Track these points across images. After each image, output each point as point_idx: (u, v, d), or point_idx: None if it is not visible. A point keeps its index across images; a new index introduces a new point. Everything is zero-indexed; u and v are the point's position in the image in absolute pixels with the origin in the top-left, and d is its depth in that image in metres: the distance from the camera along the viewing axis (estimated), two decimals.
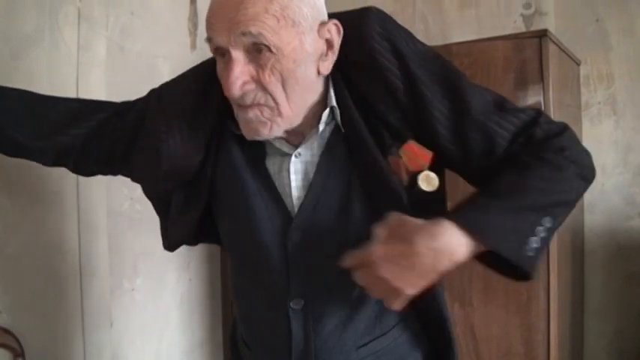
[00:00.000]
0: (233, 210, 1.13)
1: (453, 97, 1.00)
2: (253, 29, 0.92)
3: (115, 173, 1.31)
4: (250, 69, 0.96)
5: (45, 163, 1.28)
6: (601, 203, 2.37)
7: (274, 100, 0.98)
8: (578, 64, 2.34)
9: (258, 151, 1.11)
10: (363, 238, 0.94)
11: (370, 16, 1.02)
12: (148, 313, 2.07)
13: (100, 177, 1.83)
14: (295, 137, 1.08)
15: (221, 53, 1.00)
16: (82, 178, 1.78)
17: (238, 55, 0.95)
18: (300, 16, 0.95)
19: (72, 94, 1.76)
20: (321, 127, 1.05)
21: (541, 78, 1.77)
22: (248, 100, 0.98)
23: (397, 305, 0.91)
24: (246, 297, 1.20)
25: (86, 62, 1.80)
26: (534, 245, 0.91)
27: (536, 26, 2.41)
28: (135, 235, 2.00)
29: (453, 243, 0.88)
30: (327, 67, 1.02)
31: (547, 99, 1.77)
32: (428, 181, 1.02)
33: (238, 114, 1.02)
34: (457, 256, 0.89)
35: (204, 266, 2.36)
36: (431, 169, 1.02)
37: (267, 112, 0.99)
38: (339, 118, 1.05)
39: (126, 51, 1.95)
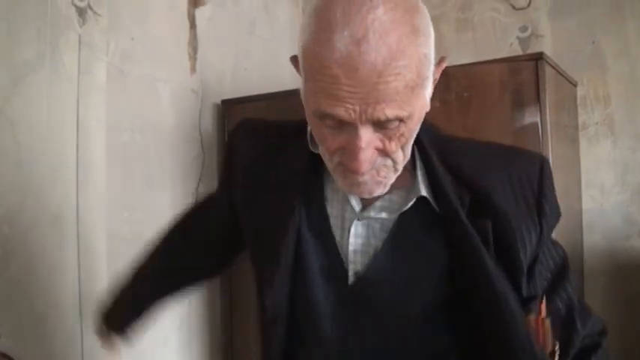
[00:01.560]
0: (281, 260, 1.00)
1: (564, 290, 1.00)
2: (390, 113, 0.79)
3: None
4: (376, 140, 0.83)
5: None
6: (600, 223, 2.37)
7: (394, 162, 0.87)
8: (575, 86, 2.36)
9: (318, 193, 1.00)
10: (435, 338, 0.95)
11: (549, 170, 0.99)
12: (147, 336, 2.05)
13: (98, 199, 1.85)
14: None
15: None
16: (81, 202, 1.79)
17: (368, 132, 0.81)
18: (428, 71, 0.83)
19: (72, 118, 1.77)
20: (402, 202, 0.95)
21: (538, 100, 1.78)
22: (368, 168, 0.85)
23: None
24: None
25: (86, 86, 1.82)
26: None
27: (532, 49, 2.43)
28: (135, 258, 2.00)
29: None
30: (429, 104, 0.89)
31: (544, 120, 1.78)
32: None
33: (345, 175, 0.88)
34: None
35: (203, 289, 2.36)
36: None
37: (383, 172, 0.87)
38: (436, 207, 0.93)
39: (126, 75, 1.97)
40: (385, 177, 0.88)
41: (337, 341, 0.97)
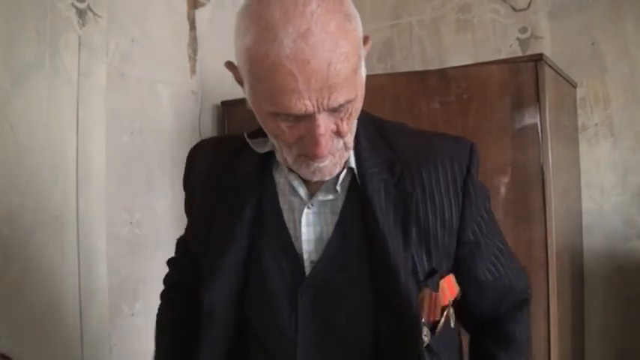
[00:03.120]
0: (224, 257, 1.02)
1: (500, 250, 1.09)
2: (342, 99, 0.83)
3: None
4: (331, 123, 0.87)
5: None
6: (600, 225, 2.37)
7: (345, 142, 0.92)
8: (575, 87, 2.36)
9: (270, 188, 1.02)
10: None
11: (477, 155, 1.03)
12: (148, 338, 2.05)
13: (98, 200, 1.85)
14: None
15: None
16: (81, 203, 1.79)
17: (324, 118, 0.85)
18: (361, 50, 0.88)
19: (72, 120, 1.77)
20: (342, 184, 0.98)
21: (537, 101, 1.78)
22: (327, 152, 0.89)
23: None
24: None
25: (86, 88, 1.82)
26: None
27: (532, 50, 2.43)
28: (134, 259, 2.00)
29: None
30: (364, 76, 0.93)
31: (544, 121, 1.78)
32: (453, 318, 1.03)
33: (307, 164, 0.91)
34: None
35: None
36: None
37: (338, 154, 0.92)
38: (358, 181, 0.97)
39: (126, 77, 1.97)
40: (340, 157, 0.93)
41: (298, 335, 0.98)
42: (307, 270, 0.99)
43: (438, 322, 0.99)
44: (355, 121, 0.92)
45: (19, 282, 1.61)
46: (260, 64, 0.81)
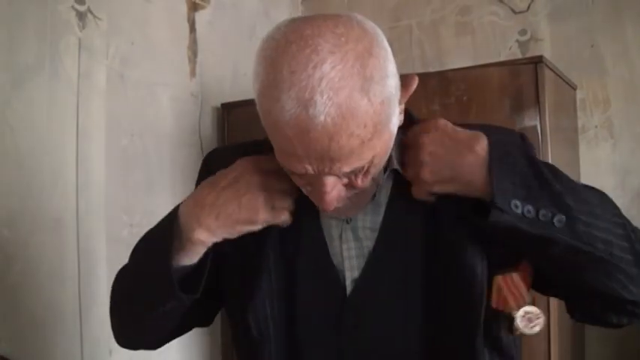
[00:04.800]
0: (263, 276, 0.95)
1: None
2: (348, 168, 0.76)
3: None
4: (342, 178, 0.80)
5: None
6: None
7: (363, 190, 0.85)
8: (575, 89, 2.36)
9: (307, 200, 0.91)
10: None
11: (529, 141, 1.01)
12: None
13: (98, 202, 1.85)
14: None
15: None
16: (81, 205, 1.79)
17: (330, 179, 0.78)
18: (390, 109, 0.78)
19: (72, 122, 1.77)
20: (383, 193, 0.93)
21: (537, 103, 1.78)
22: (337, 204, 0.83)
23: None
24: None
25: (86, 90, 1.82)
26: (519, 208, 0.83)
27: (531, 52, 2.43)
28: None
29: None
30: (400, 119, 0.85)
31: (543, 123, 1.78)
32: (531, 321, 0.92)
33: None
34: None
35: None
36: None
37: (355, 198, 0.86)
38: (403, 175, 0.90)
39: (126, 79, 1.97)
40: (358, 199, 0.87)
41: (340, 353, 0.94)
42: (349, 288, 0.94)
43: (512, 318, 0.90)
44: (379, 168, 0.85)
45: (19, 284, 1.61)
46: (264, 117, 0.77)
